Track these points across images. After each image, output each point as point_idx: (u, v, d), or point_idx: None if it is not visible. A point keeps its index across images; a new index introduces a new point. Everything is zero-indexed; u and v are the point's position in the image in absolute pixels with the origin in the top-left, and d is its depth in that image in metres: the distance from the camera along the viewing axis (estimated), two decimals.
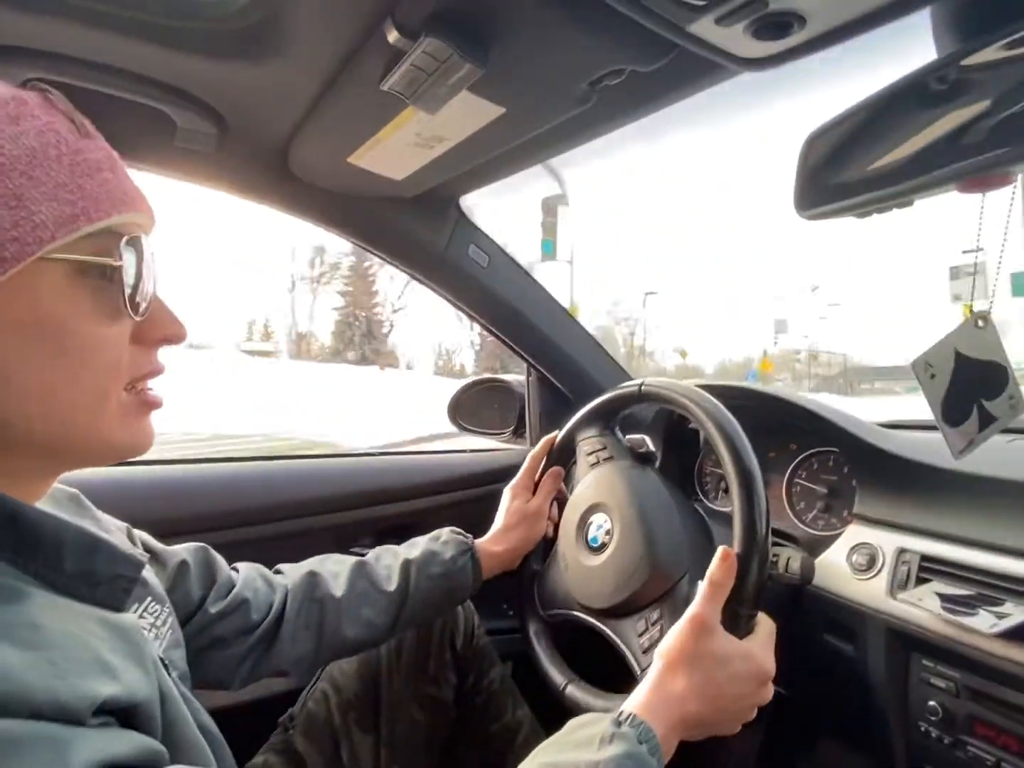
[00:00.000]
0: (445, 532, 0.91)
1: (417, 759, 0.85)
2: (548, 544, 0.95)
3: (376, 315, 42.65)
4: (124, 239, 0.44)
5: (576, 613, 0.84)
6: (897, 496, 0.79)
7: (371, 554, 0.88)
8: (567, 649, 0.87)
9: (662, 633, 0.71)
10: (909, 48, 0.55)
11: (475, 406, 1.44)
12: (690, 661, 0.58)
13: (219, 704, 0.91)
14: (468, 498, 1.29)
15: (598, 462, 0.88)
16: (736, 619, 0.62)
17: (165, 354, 0.50)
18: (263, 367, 26.98)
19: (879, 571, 0.75)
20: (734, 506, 0.67)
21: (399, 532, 1.07)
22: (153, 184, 0.76)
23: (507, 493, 0.97)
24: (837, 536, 0.84)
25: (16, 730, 0.30)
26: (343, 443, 9.48)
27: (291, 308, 45.17)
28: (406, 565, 0.84)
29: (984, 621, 0.62)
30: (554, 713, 0.80)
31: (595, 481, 0.86)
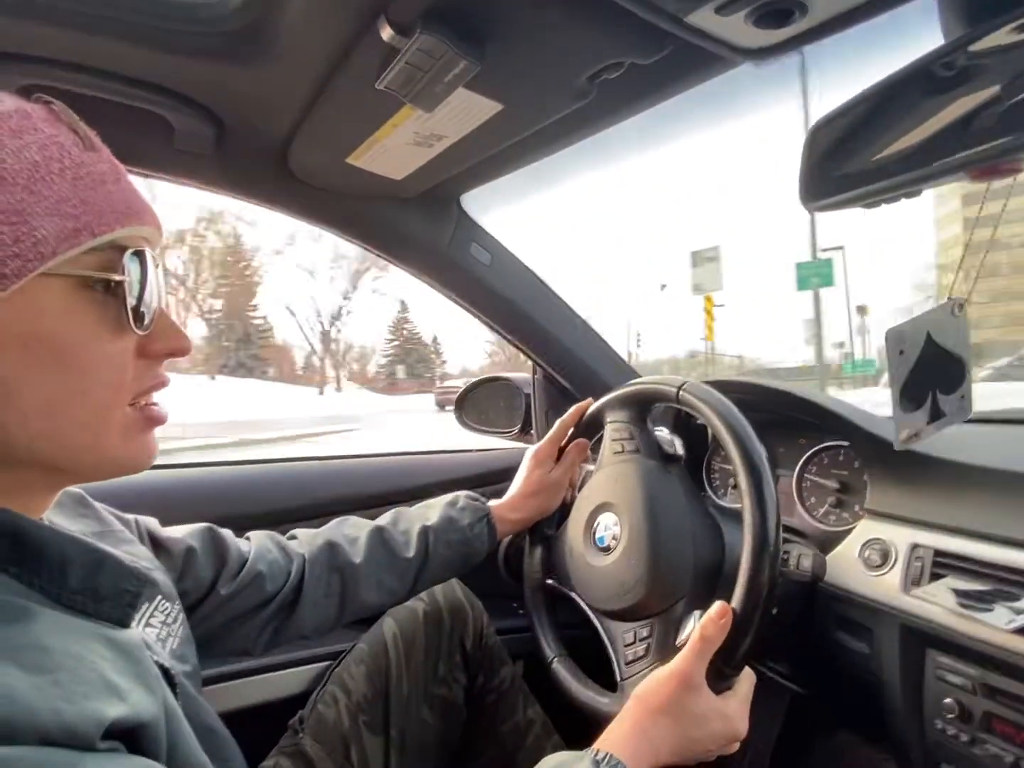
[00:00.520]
0: (462, 497, 0.92)
1: (427, 760, 0.85)
2: (562, 511, 0.96)
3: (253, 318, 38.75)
4: (128, 252, 0.43)
5: (574, 595, 0.85)
6: (909, 490, 0.77)
7: (388, 517, 0.90)
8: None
9: (647, 652, 0.73)
10: (915, 35, 0.54)
11: (481, 405, 1.43)
12: (672, 715, 0.60)
13: (229, 707, 0.93)
14: None
15: (622, 451, 0.85)
16: (720, 677, 0.64)
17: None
18: None
19: (892, 567, 0.74)
20: (742, 566, 0.65)
21: None
22: None
23: (529, 458, 0.96)
24: (849, 531, 0.83)
25: (26, 757, 0.29)
26: None
27: None
28: (424, 532, 0.87)
29: (1001, 617, 0.61)
30: (566, 712, 0.80)
31: (613, 477, 0.84)
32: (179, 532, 0.73)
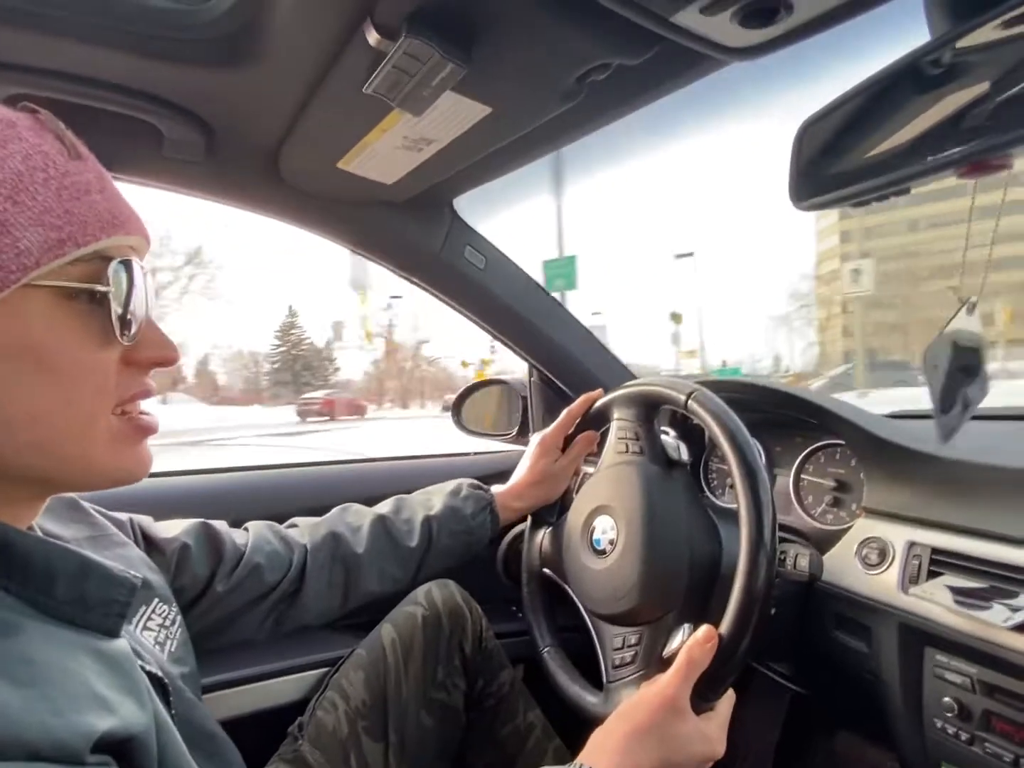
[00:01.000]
0: (464, 486, 0.93)
1: (427, 766, 0.85)
2: (563, 500, 0.96)
3: None
4: (114, 262, 0.43)
5: (567, 588, 0.86)
6: (906, 488, 0.77)
7: (389, 505, 0.91)
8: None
9: (634, 659, 0.74)
10: (902, 33, 0.54)
11: (478, 408, 1.43)
12: (657, 736, 0.60)
13: (228, 714, 0.93)
14: None
15: (626, 451, 0.84)
16: (704, 699, 0.65)
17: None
18: None
19: (890, 565, 0.73)
20: (738, 572, 0.65)
21: None
22: None
23: (535, 446, 0.96)
24: (846, 530, 0.82)
25: None
26: None
27: None
28: (427, 521, 0.87)
29: (998, 614, 0.61)
30: (566, 715, 0.80)
31: (615, 479, 0.83)
32: (173, 529, 0.73)
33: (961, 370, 0.66)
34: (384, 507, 0.90)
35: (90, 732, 0.33)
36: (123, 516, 0.67)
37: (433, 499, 0.91)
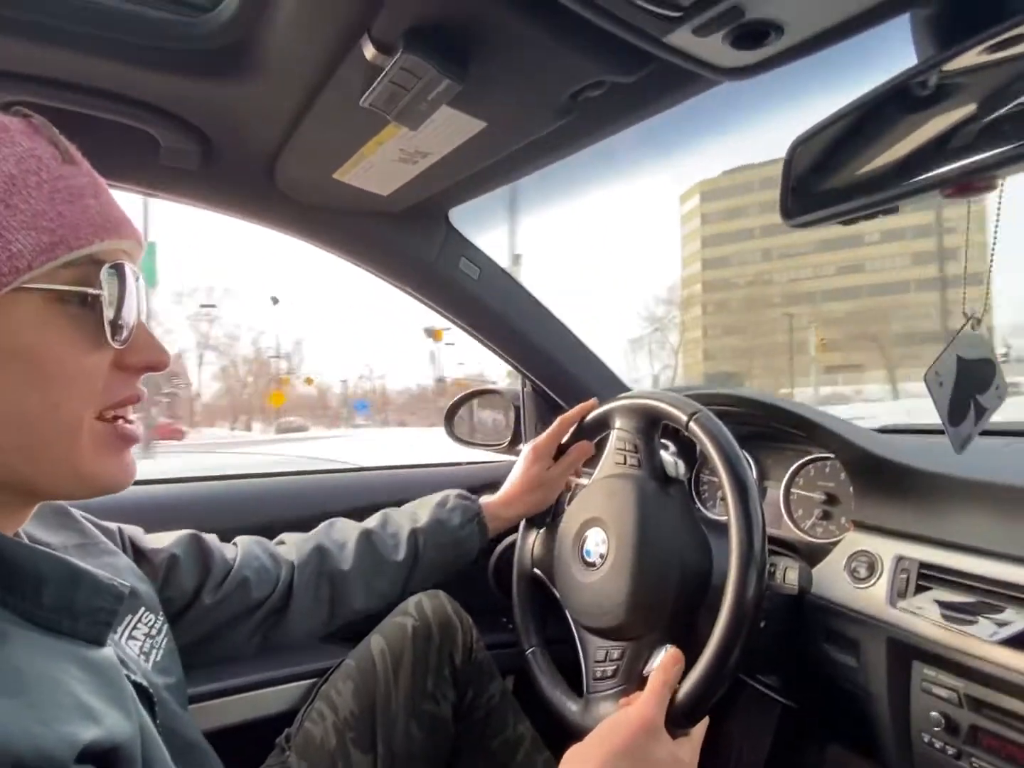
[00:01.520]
0: (451, 497, 0.92)
1: None
2: (557, 503, 0.97)
3: None
4: (106, 266, 0.43)
5: (556, 592, 0.87)
6: (894, 502, 0.78)
7: (376, 519, 0.90)
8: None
9: (615, 674, 0.75)
10: (889, 58, 0.55)
11: (470, 418, 1.43)
12: (634, 759, 0.61)
13: (215, 725, 0.92)
14: None
15: (624, 462, 0.84)
16: (678, 725, 0.66)
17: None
18: None
19: (878, 579, 0.74)
20: (727, 592, 0.66)
21: None
22: None
23: (527, 453, 0.96)
24: (836, 544, 0.83)
25: None
26: None
27: None
28: (413, 534, 0.87)
29: (985, 629, 0.61)
30: (556, 728, 0.80)
31: (609, 491, 0.83)
32: (163, 540, 0.73)
33: (968, 381, 0.67)
34: (371, 522, 0.89)
35: (75, 742, 0.33)
36: (112, 526, 0.66)
37: (419, 512, 0.90)
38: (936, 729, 0.66)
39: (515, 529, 0.98)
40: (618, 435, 0.86)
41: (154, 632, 0.58)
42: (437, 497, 0.93)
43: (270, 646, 0.79)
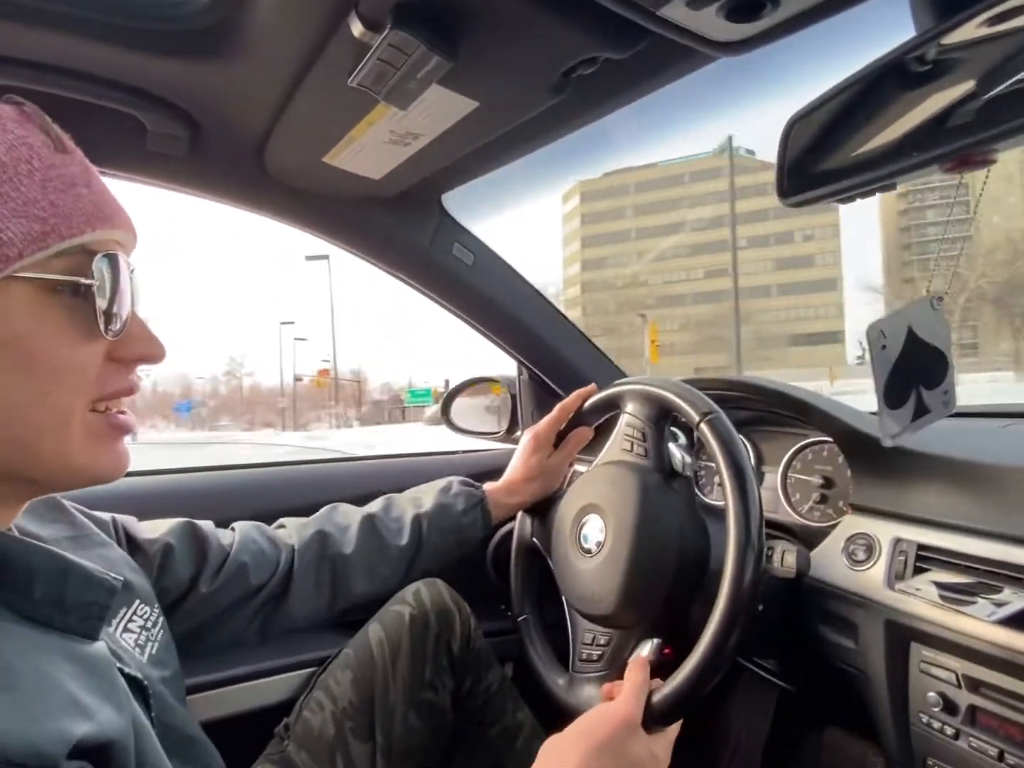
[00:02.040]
0: (455, 483, 0.92)
1: (415, 766, 0.84)
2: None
3: None
4: (98, 256, 0.43)
5: (551, 563, 0.88)
6: (892, 485, 0.78)
7: (379, 504, 0.90)
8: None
9: (600, 659, 0.76)
10: (887, 30, 0.54)
11: (467, 406, 1.43)
12: (613, 753, 0.61)
13: (214, 715, 0.92)
14: None
15: (630, 450, 0.82)
16: (655, 722, 0.66)
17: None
18: None
19: (876, 561, 0.74)
20: (724, 581, 0.66)
21: None
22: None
23: (528, 441, 0.95)
24: (834, 527, 0.83)
25: None
26: None
27: None
28: (417, 519, 0.86)
29: (983, 609, 0.61)
30: (555, 714, 0.80)
31: (611, 479, 0.81)
32: (158, 529, 0.72)
33: (916, 365, 0.66)
34: (373, 506, 0.89)
35: (67, 738, 0.33)
36: (106, 516, 0.66)
37: (423, 497, 0.90)
38: (934, 710, 0.66)
39: (515, 517, 0.98)
40: (628, 420, 0.84)
41: (149, 625, 0.58)
42: (441, 483, 0.92)
43: (271, 633, 0.78)
